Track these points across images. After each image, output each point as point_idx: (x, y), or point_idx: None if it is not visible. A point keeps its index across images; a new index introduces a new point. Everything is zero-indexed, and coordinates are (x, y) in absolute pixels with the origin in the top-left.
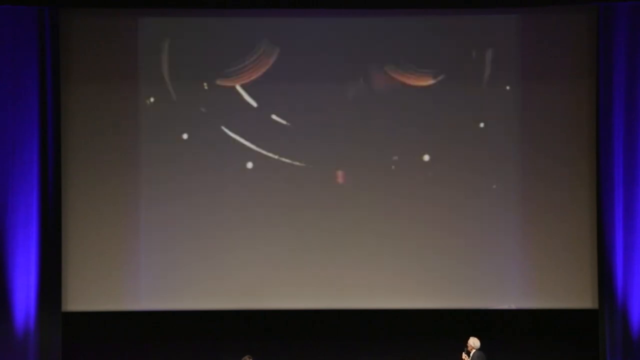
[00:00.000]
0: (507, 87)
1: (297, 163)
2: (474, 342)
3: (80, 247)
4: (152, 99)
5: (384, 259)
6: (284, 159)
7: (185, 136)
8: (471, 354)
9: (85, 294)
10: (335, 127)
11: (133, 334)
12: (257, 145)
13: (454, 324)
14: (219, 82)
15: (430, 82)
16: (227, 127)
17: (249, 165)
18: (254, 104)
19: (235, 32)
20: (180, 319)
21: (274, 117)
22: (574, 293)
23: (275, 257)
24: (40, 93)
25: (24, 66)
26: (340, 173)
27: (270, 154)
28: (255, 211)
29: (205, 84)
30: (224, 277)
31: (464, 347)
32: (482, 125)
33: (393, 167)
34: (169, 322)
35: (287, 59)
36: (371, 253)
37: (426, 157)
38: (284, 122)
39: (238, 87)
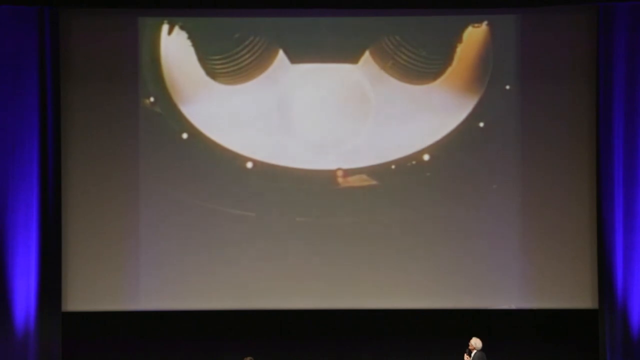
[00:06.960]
0: (507, 87)
1: (297, 163)
2: (475, 343)
3: (80, 247)
4: (152, 99)
5: (384, 259)
6: (284, 159)
7: (185, 136)
8: (472, 354)
9: (85, 294)
10: (334, 126)
11: (133, 334)
12: (257, 145)
13: (454, 324)
14: (218, 81)
15: (430, 81)
16: (227, 126)
17: (249, 165)
18: (254, 103)
19: (236, 31)
20: (180, 319)
21: (274, 116)
22: (574, 293)
23: (276, 258)
24: (40, 93)
25: (24, 66)
26: (340, 172)
27: (270, 154)
28: (255, 211)
29: (205, 83)
30: (224, 277)
31: (465, 347)
32: (482, 125)
33: (393, 166)
34: (169, 322)
35: (288, 58)
36: (371, 253)
37: (426, 157)
38: (284, 121)
39: (238, 86)
